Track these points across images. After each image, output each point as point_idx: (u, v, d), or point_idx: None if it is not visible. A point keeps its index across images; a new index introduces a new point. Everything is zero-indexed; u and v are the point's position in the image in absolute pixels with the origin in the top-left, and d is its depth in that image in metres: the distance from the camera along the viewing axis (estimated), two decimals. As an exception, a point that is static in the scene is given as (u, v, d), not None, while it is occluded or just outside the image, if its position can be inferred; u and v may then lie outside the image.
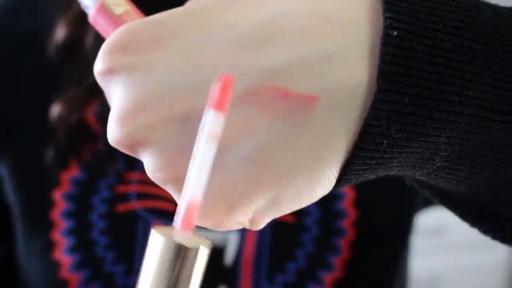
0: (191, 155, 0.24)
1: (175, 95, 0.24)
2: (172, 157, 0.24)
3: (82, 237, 0.52)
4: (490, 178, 0.28)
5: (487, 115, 0.25)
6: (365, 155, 0.25)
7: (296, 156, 0.24)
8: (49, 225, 0.52)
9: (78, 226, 0.52)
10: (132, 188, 0.52)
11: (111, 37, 0.25)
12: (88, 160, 0.52)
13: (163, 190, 0.26)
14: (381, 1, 0.24)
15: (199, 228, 0.24)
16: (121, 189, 0.52)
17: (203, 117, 0.23)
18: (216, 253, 0.51)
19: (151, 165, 0.25)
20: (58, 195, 0.52)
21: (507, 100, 0.25)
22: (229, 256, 0.52)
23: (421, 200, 0.55)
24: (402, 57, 0.23)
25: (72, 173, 0.52)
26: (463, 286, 1.63)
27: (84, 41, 0.51)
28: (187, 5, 0.28)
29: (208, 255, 0.23)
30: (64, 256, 0.52)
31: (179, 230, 0.23)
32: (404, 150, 0.25)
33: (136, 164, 0.52)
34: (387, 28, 0.24)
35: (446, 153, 0.26)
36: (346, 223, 0.52)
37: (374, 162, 0.25)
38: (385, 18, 0.24)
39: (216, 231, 0.26)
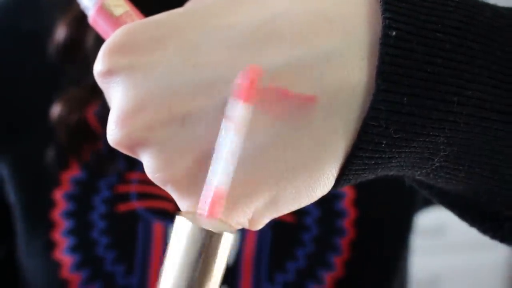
0: (190, 155, 0.24)
1: (175, 95, 0.24)
2: (172, 157, 0.24)
3: (83, 237, 0.52)
4: (489, 177, 0.28)
5: (486, 115, 0.25)
6: (364, 155, 0.25)
7: (295, 156, 0.24)
8: (50, 225, 0.52)
9: (79, 226, 0.52)
10: (133, 188, 0.52)
11: (111, 38, 0.25)
12: (89, 160, 0.52)
13: (164, 190, 0.26)
14: (380, 1, 0.25)
15: None
16: (122, 189, 0.52)
17: (229, 108, 0.23)
18: None
19: (151, 165, 0.25)
20: (58, 195, 0.52)
21: (506, 100, 0.25)
22: (229, 256, 0.52)
23: (421, 200, 0.55)
24: (401, 57, 0.24)
25: (72, 173, 0.52)
26: (463, 286, 1.62)
27: (85, 41, 0.51)
28: (187, 5, 0.28)
29: (232, 240, 0.24)
30: (64, 256, 0.52)
31: (204, 216, 0.24)
32: (403, 150, 0.25)
33: (136, 164, 0.52)
34: (386, 28, 0.24)
35: (445, 153, 0.26)
36: (346, 223, 0.52)
37: (373, 162, 0.25)
38: (384, 18, 0.24)
39: None
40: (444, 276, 1.61)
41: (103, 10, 0.28)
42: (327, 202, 0.52)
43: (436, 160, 0.26)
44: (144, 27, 0.25)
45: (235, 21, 0.25)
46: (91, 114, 0.52)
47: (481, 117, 0.25)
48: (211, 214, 0.24)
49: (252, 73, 0.23)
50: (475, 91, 0.25)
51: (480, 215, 0.32)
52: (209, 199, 0.24)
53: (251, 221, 0.26)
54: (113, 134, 0.25)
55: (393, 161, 0.26)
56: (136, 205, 0.52)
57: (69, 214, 0.52)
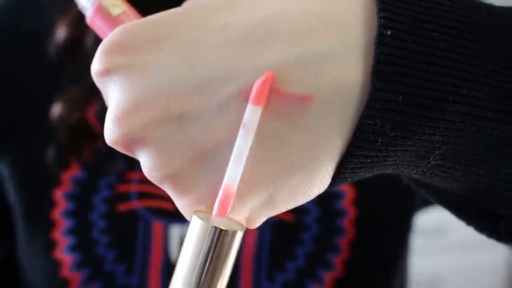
0: (187, 154, 0.25)
1: (172, 95, 0.24)
2: (169, 156, 0.25)
3: (83, 236, 0.52)
4: (485, 176, 0.28)
5: (481, 114, 0.25)
6: (360, 153, 0.25)
7: (291, 155, 0.24)
8: (50, 225, 0.52)
9: (79, 226, 0.52)
10: (133, 188, 0.52)
11: (108, 38, 0.25)
12: (89, 159, 0.52)
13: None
14: (376, 1, 0.25)
15: None
16: (122, 188, 0.52)
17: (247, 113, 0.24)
18: None
19: (148, 164, 0.25)
20: (58, 195, 0.52)
21: (502, 99, 0.25)
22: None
23: (420, 199, 0.55)
24: (397, 57, 0.24)
25: (72, 173, 0.52)
26: (463, 286, 1.62)
27: (85, 41, 0.51)
28: (184, 5, 0.28)
29: (242, 237, 0.25)
30: (64, 255, 0.52)
31: (215, 215, 0.25)
32: (399, 148, 0.25)
33: (136, 164, 0.52)
34: (381, 27, 0.24)
35: (441, 152, 0.26)
36: (346, 222, 0.53)
37: (369, 160, 0.25)
38: (379, 17, 0.24)
39: None
40: (444, 276, 1.61)
41: (101, 10, 0.28)
42: (327, 201, 0.53)
43: (431, 158, 0.26)
44: (141, 27, 0.25)
45: (232, 21, 0.25)
46: (91, 113, 0.52)
47: (477, 116, 0.25)
48: (219, 213, 0.25)
49: (269, 79, 0.23)
50: (471, 90, 0.25)
51: (476, 214, 0.32)
52: (218, 199, 0.24)
53: (248, 219, 0.26)
54: (111, 133, 0.25)
55: (389, 159, 0.26)
56: (136, 204, 0.52)
57: (69, 214, 0.52)
